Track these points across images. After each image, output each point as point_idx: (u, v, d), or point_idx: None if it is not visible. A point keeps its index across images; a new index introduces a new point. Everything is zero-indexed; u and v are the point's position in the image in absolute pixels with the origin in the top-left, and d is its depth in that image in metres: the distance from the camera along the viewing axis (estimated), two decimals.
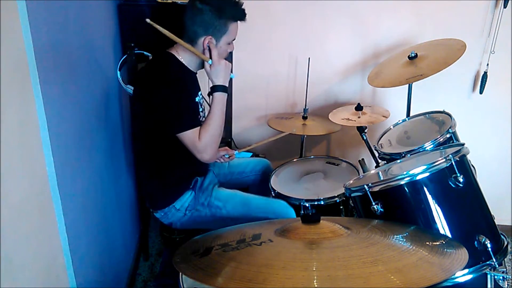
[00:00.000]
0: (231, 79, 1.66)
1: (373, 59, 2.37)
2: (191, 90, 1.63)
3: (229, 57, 1.79)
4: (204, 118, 1.65)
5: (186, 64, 1.64)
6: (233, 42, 1.67)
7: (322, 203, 1.77)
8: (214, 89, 1.59)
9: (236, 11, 1.59)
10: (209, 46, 1.58)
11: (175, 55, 1.62)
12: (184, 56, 1.63)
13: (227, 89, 1.61)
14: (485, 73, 2.29)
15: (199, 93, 1.72)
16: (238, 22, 1.62)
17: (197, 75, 1.72)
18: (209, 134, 1.55)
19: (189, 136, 1.53)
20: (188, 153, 1.58)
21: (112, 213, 1.78)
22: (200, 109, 1.70)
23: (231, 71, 1.65)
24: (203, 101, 1.76)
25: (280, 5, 2.29)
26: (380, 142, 1.96)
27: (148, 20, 1.47)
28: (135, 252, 2.22)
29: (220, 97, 1.59)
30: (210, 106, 1.60)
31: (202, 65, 1.64)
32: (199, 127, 1.55)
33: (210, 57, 1.58)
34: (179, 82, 1.56)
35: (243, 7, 1.61)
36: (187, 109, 1.57)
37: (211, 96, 1.61)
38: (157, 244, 2.43)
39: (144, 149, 1.72)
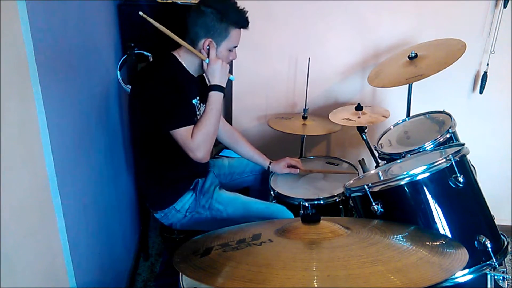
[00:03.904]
0: (230, 82, 1.66)
1: (373, 59, 2.37)
2: (187, 91, 1.63)
3: None
4: None
5: (186, 66, 1.65)
6: (235, 50, 1.67)
7: (322, 203, 1.77)
8: (210, 88, 1.59)
9: (238, 17, 1.59)
10: (209, 47, 1.58)
11: (177, 56, 1.63)
12: (185, 58, 1.64)
13: (223, 89, 1.61)
14: (485, 73, 2.29)
15: (197, 97, 1.71)
16: (241, 30, 1.62)
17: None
18: (202, 133, 1.54)
19: (181, 134, 1.53)
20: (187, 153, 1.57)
21: (112, 213, 1.77)
22: (197, 113, 1.69)
23: (231, 73, 1.65)
24: (200, 106, 1.75)
25: (280, 5, 2.29)
26: (380, 142, 1.96)
27: (141, 13, 1.48)
28: (135, 252, 2.22)
29: (215, 96, 1.59)
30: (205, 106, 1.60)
31: (202, 69, 1.63)
32: (192, 126, 1.56)
33: (208, 57, 1.58)
34: (175, 81, 1.56)
35: (247, 15, 1.61)
36: (181, 107, 1.57)
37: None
38: (157, 244, 2.42)
39: (143, 148, 1.72)
